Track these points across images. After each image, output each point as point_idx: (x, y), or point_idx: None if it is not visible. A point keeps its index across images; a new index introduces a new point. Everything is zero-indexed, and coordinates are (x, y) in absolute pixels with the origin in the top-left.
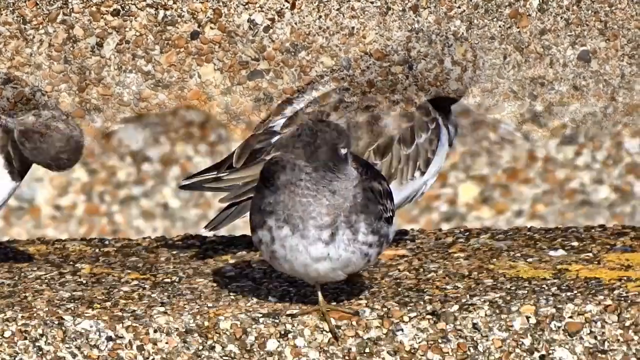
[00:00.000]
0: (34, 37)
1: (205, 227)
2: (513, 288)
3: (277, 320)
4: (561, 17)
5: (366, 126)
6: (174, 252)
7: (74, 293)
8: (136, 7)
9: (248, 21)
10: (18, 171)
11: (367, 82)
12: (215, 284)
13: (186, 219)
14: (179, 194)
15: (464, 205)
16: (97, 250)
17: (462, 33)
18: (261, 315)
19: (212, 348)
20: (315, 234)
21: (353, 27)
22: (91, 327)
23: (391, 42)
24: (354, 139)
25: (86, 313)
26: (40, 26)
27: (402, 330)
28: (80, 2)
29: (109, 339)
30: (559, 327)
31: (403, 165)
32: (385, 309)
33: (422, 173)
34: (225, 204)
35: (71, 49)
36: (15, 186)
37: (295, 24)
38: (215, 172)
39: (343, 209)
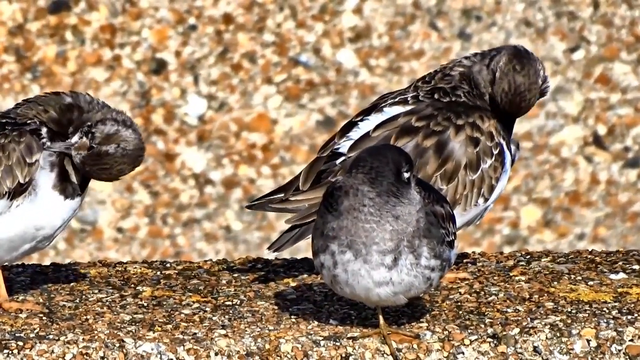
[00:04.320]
0: (99, 59)
1: (269, 248)
2: (574, 311)
3: (338, 343)
4: (622, 42)
5: (432, 151)
6: (235, 275)
7: (135, 316)
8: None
9: (311, 45)
10: (75, 188)
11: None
12: (276, 307)
13: (249, 241)
14: (241, 217)
15: (526, 228)
16: (158, 272)
17: None
18: (322, 338)
19: None
20: (378, 259)
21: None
22: (152, 349)
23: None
24: (420, 164)
25: (147, 336)
26: (104, 49)
27: (462, 353)
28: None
29: None
30: (619, 351)
31: (468, 191)
32: (446, 332)
33: (486, 200)
34: (288, 225)
35: (134, 71)
36: (72, 205)
37: (357, 48)
38: (282, 194)
39: (406, 234)
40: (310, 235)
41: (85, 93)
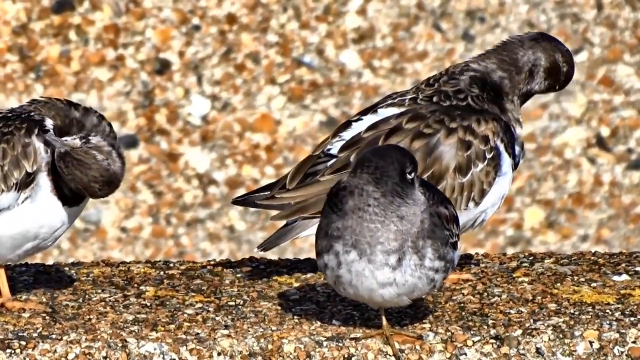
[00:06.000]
0: (102, 59)
1: (258, 247)
2: (576, 313)
3: (340, 344)
4: (625, 44)
5: (421, 153)
6: (239, 275)
7: (137, 315)
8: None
9: (314, 46)
10: (71, 194)
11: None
12: (279, 307)
13: (252, 241)
14: (245, 217)
15: (529, 229)
16: (161, 272)
17: None
18: (325, 338)
19: None
20: (382, 259)
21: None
22: (155, 349)
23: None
24: None
25: (150, 336)
26: (108, 49)
27: (465, 354)
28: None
29: None
30: (622, 352)
31: (457, 195)
32: (449, 333)
33: (477, 204)
34: (280, 225)
35: (137, 71)
36: (70, 212)
37: (361, 49)
38: (269, 191)
39: (410, 235)
40: (299, 234)
41: (98, 114)
